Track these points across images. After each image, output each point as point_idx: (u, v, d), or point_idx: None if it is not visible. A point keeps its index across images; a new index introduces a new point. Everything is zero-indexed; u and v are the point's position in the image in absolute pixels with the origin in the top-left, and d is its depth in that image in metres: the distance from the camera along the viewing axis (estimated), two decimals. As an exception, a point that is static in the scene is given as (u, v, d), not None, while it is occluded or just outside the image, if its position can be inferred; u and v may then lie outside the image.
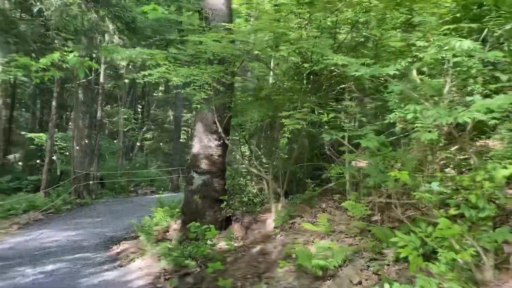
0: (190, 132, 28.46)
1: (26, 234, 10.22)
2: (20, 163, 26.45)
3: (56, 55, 10.92)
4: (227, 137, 7.05)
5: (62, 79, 19.95)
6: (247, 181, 9.06)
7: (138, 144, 31.60)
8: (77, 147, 16.00)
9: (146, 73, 6.01)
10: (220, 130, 6.73)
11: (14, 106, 29.85)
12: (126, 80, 24.57)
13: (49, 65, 11.01)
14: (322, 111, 5.51)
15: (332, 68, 5.39)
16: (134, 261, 6.91)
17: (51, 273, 6.58)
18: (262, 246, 5.27)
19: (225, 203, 6.81)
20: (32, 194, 16.52)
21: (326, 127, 7.79)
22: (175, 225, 7.96)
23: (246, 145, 8.64)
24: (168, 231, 7.93)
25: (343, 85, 6.34)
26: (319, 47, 4.86)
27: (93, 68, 15.14)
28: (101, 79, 18.35)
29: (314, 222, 5.33)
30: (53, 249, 8.36)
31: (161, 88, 35.15)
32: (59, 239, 9.42)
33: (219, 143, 7.07)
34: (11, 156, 29.15)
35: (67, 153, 21.13)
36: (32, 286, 5.92)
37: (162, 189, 19.71)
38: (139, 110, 35.03)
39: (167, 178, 20.93)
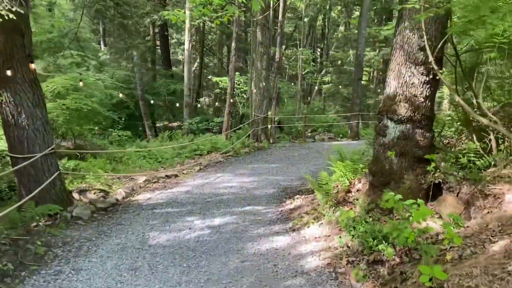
0: (372, 73, 25.82)
1: (204, 177, 10.08)
2: (202, 105, 28.20)
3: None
4: (440, 71, 4.90)
5: (241, 20, 19.69)
6: (456, 134, 6.75)
7: (316, 87, 30.53)
8: (255, 90, 15.55)
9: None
10: (430, 59, 4.63)
11: (203, 52, 31.92)
12: (306, 20, 23.15)
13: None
14: None
15: None
16: (308, 227, 5.65)
17: (218, 229, 5.82)
18: (507, 242, 3.25)
19: (432, 164, 4.85)
20: (216, 135, 17.05)
21: None
22: (359, 184, 6.37)
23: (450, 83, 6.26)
24: (350, 191, 6.41)
25: None
26: None
27: (270, 1, 13.79)
28: (280, 17, 17.29)
29: None
30: (225, 197, 7.78)
31: (341, 28, 32.84)
32: (233, 185, 8.90)
33: (427, 79, 4.98)
34: (202, 99, 31.65)
35: (246, 96, 21.36)
36: (195, 244, 5.20)
37: (340, 135, 18.23)
38: (318, 52, 33.63)
39: (345, 124, 19.29)
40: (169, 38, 31.16)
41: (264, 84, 15.82)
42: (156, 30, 28.13)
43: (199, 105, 27.71)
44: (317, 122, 19.60)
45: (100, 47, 26.69)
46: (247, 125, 16.55)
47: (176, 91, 25.47)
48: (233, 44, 15.86)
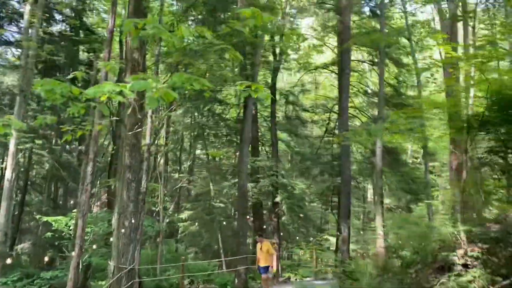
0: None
1: None
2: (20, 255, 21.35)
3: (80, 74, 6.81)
4: None
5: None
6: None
7: (163, 225, 26.24)
8: (123, 230, 11.10)
9: None
10: None
11: (26, 187, 25.37)
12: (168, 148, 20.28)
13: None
14: None
15: None
16: None
17: None
18: None
19: None
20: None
21: None
22: None
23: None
24: None
25: None
26: None
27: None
28: (147, 138, 13.96)
29: None
30: None
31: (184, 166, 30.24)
32: None
33: None
34: (19, 247, 24.11)
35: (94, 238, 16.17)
36: None
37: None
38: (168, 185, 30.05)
39: (228, 272, 15.55)
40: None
41: (133, 221, 11.53)
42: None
43: (15, 255, 20.53)
44: (191, 270, 15.35)
45: None
46: (105, 280, 11.46)
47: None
48: (89, 169, 11.53)
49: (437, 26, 20.98)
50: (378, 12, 21.68)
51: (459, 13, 16.52)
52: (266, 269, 11.60)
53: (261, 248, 11.64)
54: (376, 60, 22.22)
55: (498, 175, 6.54)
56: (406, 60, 22.18)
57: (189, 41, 13.70)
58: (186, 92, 17.87)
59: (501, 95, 6.04)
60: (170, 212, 24.74)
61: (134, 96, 9.22)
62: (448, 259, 7.13)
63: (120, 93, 6.47)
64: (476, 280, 5.64)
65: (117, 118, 13.50)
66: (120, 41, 23.59)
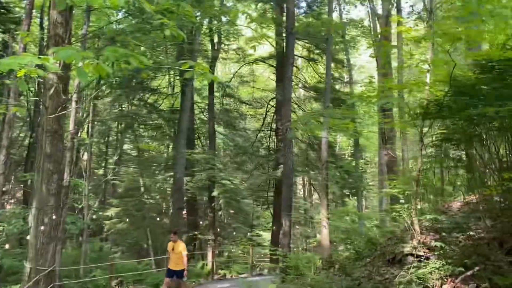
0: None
1: None
2: None
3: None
4: None
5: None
6: None
7: (88, 222, 24.36)
8: (42, 227, 9.74)
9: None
10: None
11: None
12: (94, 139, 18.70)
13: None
14: None
15: None
16: None
17: None
18: None
19: None
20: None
21: None
22: None
23: None
24: None
25: None
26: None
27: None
28: (71, 126, 12.55)
29: None
30: None
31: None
32: None
33: None
34: None
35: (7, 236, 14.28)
36: None
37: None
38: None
39: (159, 271, 14.54)
40: None
41: (53, 217, 10.18)
42: None
43: None
44: (120, 270, 14.15)
45: None
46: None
47: None
48: (1, 157, 10.01)
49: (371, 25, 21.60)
50: (315, 7, 21.79)
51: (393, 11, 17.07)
52: (178, 273, 9.90)
53: (173, 249, 9.91)
54: (312, 56, 22.40)
55: (453, 164, 6.49)
56: (341, 57, 22.62)
57: (122, 20, 12.52)
58: (116, 78, 16.51)
59: (457, 80, 5.90)
60: (95, 209, 22.98)
61: (58, 70, 7.94)
62: (400, 250, 6.93)
63: (42, 67, 5.36)
64: (436, 272, 5.42)
65: (37, 98, 11.93)
66: (41, 24, 21.38)
